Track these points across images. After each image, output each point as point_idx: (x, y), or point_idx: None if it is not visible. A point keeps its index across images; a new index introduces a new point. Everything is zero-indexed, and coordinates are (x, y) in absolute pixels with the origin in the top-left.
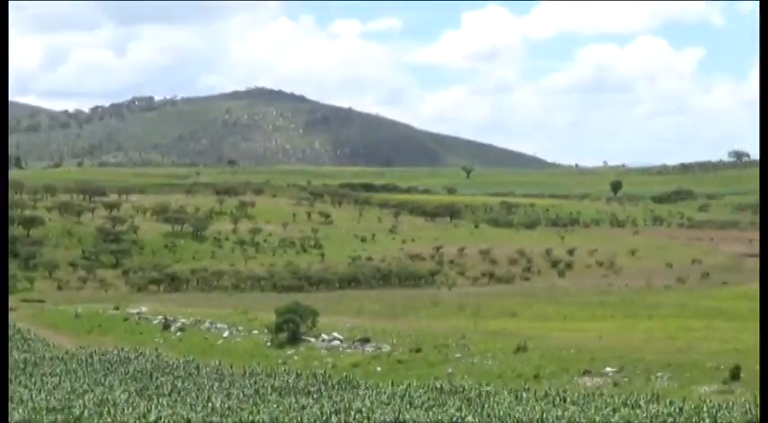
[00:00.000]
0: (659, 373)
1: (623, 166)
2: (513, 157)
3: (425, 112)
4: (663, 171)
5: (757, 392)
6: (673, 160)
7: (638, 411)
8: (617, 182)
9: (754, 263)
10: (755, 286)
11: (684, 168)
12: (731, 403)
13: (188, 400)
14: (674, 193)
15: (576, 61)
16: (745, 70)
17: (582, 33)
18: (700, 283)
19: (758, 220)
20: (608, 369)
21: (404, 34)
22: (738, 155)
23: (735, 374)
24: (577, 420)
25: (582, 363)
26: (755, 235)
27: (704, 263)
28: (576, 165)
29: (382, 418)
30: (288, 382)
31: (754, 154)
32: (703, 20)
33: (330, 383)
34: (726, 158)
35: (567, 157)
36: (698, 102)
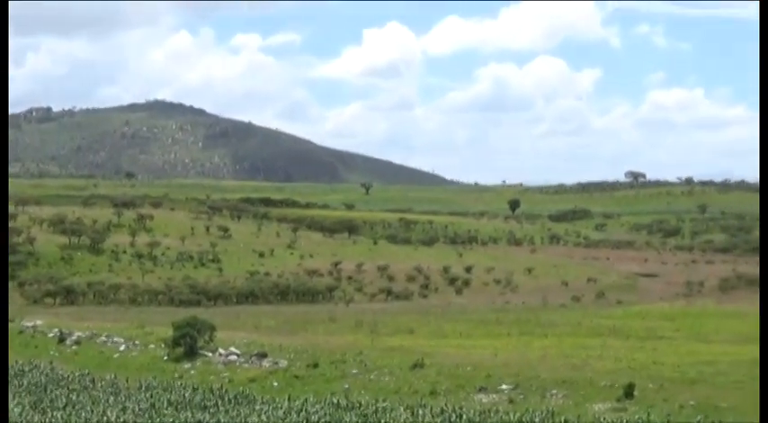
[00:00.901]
0: (554, 391)
1: (521, 184)
2: (412, 174)
3: (325, 128)
4: (560, 190)
5: (650, 410)
6: (570, 179)
7: None
8: (515, 200)
9: (649, 282)
10: (649, 305)
11: (581, 188)
12: (625, 421)
13: (83, 413)
14: (570, 211)
15: (475, 79)
16: (640, 91)
17: (481, 52)
18: (595, 301)
19: (653, 241)
20: (504, 386)
21: (304, 49)
22: (634, 175)
23: (628, 392)
24: None
25: (478, 380)
26: (650, 255)
27: (599, 282)
28: (475, 182)
29: None
30: (184, 396)
31: (650, 174)
32: (601, 41)
33: (226, 398)
34: (622, 178)
35: (465, 175)
36: (595, 122)
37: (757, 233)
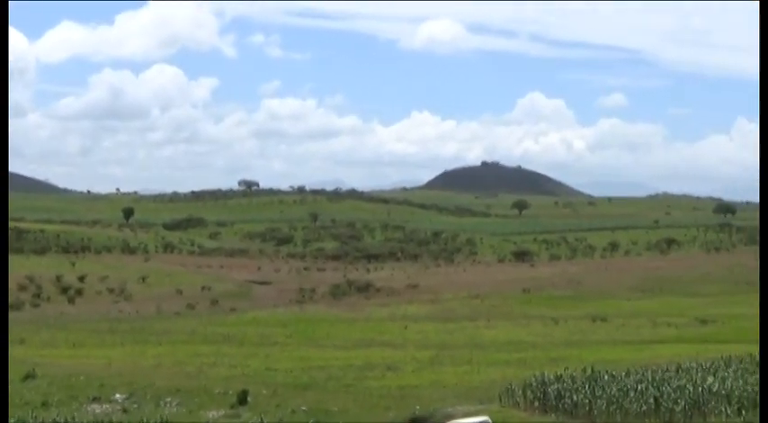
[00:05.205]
0: (169, 399)
1: (136, 192)
2: (24, 183)
3: None
4: (174, 198)
5: (263, 416)
6: (185, 188)
7: None
8: (129, 208)
9: (262, 289)
10: (263, 312)
11: (196, 196)
12: None
13: None
14: (185, 220)
15: (89, 86)
16: (256, 100)
17: (96, 58)
18: (209, 309)
19: (267, 249)
20: (117, 395)
21: None
22: (248, 184)
23: (242, 399)
24: None
25: (91, 390)
26: (263, 262)
27: (213, 290)
28: (89, 191)
29: None
30: None
31: (263, 183)
32: (216, 50)
33: None
34: (236, 187)
35: (78, 183)
36: (210, 130)
37: (368, 241)
